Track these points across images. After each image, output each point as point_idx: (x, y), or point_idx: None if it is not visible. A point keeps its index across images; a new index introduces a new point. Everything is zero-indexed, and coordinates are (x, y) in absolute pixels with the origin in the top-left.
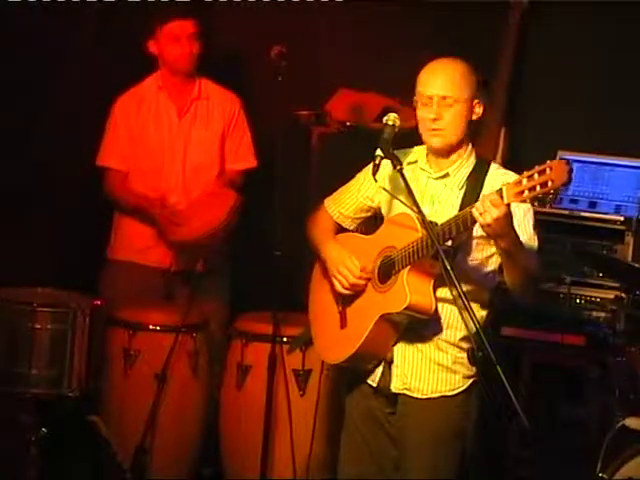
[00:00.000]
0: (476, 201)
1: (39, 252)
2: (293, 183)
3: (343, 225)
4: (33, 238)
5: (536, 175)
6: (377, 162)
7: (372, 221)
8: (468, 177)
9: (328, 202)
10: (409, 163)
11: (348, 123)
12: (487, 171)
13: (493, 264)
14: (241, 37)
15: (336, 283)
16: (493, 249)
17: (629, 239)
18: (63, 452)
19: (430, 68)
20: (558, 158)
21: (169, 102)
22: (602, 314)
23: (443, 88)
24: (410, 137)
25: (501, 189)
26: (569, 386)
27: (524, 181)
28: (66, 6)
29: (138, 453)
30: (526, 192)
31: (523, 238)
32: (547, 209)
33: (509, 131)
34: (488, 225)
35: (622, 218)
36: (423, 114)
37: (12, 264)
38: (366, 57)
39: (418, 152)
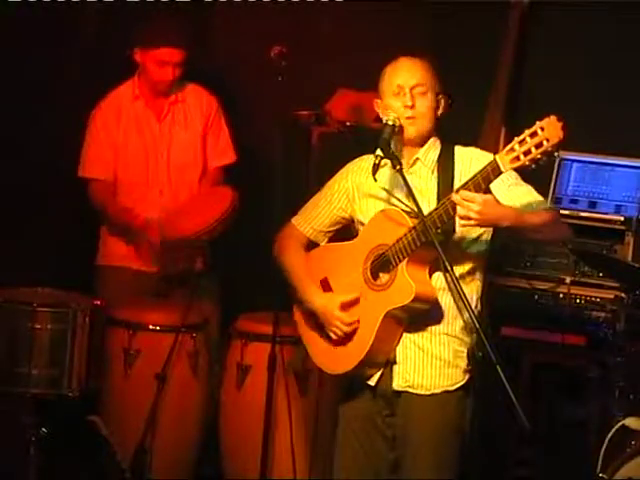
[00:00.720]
0: (451, 183)
1: (39, 252)
2: (293, 183)
3: (316, 241)
4: (33, 238)
5: (528, 138)
6: (377, 162)
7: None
8: (438, 160)
9: (298, 221)
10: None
11: (348, 123)
12: (453, 152)
13: (484, 243)
14: (241, 37)
15: (331, 334)
16: (480, 228)
17: (629, 239)
18: (63, 452)
19: (396, 63)
20: (558, 158)
21: (147, 109)
22: (602, 314)
23: (414, 77)
24: None
25: (495, 160)
26: (569, 386)
27: (516, 146)
28: (66, 6)
29: (138, 453)
30: (522, 157)
31: (526, 200)
32: None
33: (509, 131)
34: (478, 220)
35: (622, 218)
36: (395, 103)
37: (12, 264)
38: (366, 57)
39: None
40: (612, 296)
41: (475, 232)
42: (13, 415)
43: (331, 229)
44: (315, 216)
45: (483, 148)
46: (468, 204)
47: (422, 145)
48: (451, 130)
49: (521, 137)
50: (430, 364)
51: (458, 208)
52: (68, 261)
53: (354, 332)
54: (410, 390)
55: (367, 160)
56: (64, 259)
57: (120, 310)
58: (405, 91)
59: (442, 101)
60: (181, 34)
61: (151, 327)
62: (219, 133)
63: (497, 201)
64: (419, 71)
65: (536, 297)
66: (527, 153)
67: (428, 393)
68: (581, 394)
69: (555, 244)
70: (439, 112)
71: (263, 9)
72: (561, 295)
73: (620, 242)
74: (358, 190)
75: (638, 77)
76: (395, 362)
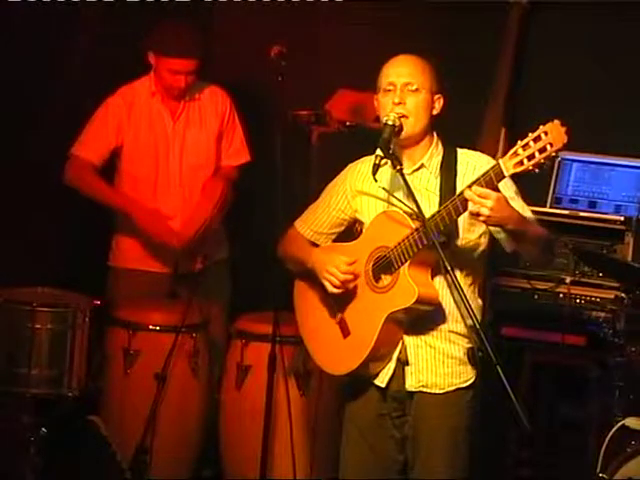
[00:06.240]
0: (453, 187)
1: (39, 252)
2: (293, 183)
3: (318, 243)
4: (33, 238)
5: (531, 142)
6: (377, 162)
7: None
8: (441, 165)
9: (299, 223)
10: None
11: (348, 123)
12: (456, 156)
13: (484, 243)
14: (241, 37)
15: (327, 284)
16: (483, 227)
17: (629, 239)
18: (63, 452)
19: (392, 60)
20: (559, 157)
21: (163, 106)
22: (602, 314)
23: (406, 75)
24: None
25: (498, 164)
26: (569, 386)
27: (520, 151)
28: (66, 6)
29: (138, 453)
30: (525, 161)
31: (520, 210)
32: (547, 209)
33: (509, 131)
34: (489, 217)
35: (622, 218)
36: (385, 100)
37: (12, 264)
38: (366, 57)
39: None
40: (612, 296)
41: (476, 234)
42: (13, 415)
43: (332, 231)
44: (315, 219)
45: (483, 148)
46: (481, 200)
47: (417, 144)
48: (451, 130)
49: (524, 141)
50: (442, 363)
51: (470, 204)
52: (68, 261)
53: (356, 328)
54: (424, 390)
55: (365, 162)
56: (64, 259)
57: (120, 310)
58: (396, 88)
59: (439, 101)
60: (195, 44)
61: (151, 327)
62: (234, 132)
63: (507, 201)
64: (412, 68)
65: (536, 297)
66: (531, 158)
67: (442, 392)
68: (581, 394)
69: (538, 262)
70: (434, 112)
71: (263, 9)
72: (561, 295)
73: (620, 242)
74: (357, 193)
75: (638, 77)
76: (407, 362)
